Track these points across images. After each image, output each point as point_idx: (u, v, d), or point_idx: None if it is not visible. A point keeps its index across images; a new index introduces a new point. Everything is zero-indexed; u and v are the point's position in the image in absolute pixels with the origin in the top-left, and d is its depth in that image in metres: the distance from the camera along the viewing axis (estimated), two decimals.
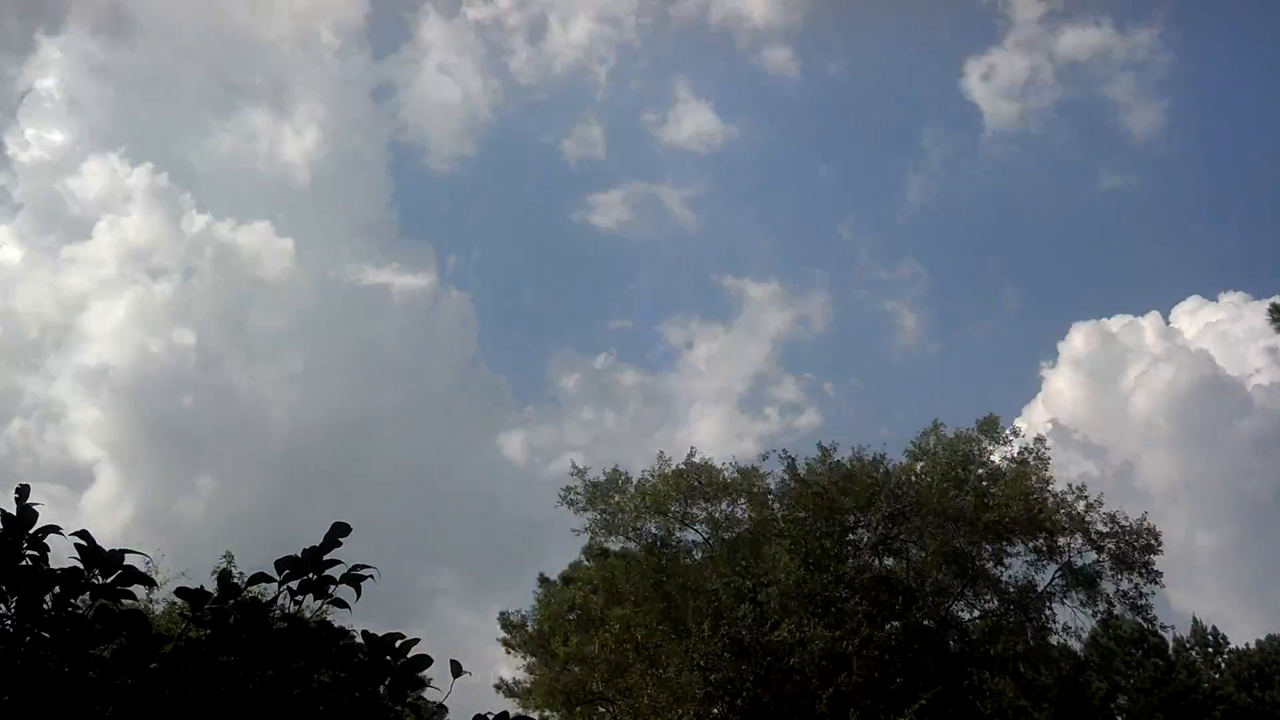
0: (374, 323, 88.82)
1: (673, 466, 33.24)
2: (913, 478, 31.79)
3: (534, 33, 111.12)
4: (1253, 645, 48.63)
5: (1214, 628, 49.38)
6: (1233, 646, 48.83)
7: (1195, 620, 49.38)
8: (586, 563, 37.62)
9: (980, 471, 31.97)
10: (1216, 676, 47.45)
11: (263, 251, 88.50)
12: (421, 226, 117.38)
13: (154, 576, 3.78)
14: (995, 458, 32.09)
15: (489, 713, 3.62)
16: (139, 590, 3.46)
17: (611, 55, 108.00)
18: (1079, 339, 78.83)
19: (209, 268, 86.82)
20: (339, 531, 3.62)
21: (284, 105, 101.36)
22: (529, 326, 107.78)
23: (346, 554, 3.61)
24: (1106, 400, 75.39)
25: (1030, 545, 31.60)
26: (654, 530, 33.54)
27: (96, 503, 68.97)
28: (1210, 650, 48.81)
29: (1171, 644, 46.93)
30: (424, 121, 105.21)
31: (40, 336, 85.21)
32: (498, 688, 41.34)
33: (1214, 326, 78.26)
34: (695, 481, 32.83)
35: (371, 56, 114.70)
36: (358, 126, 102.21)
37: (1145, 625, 35.81)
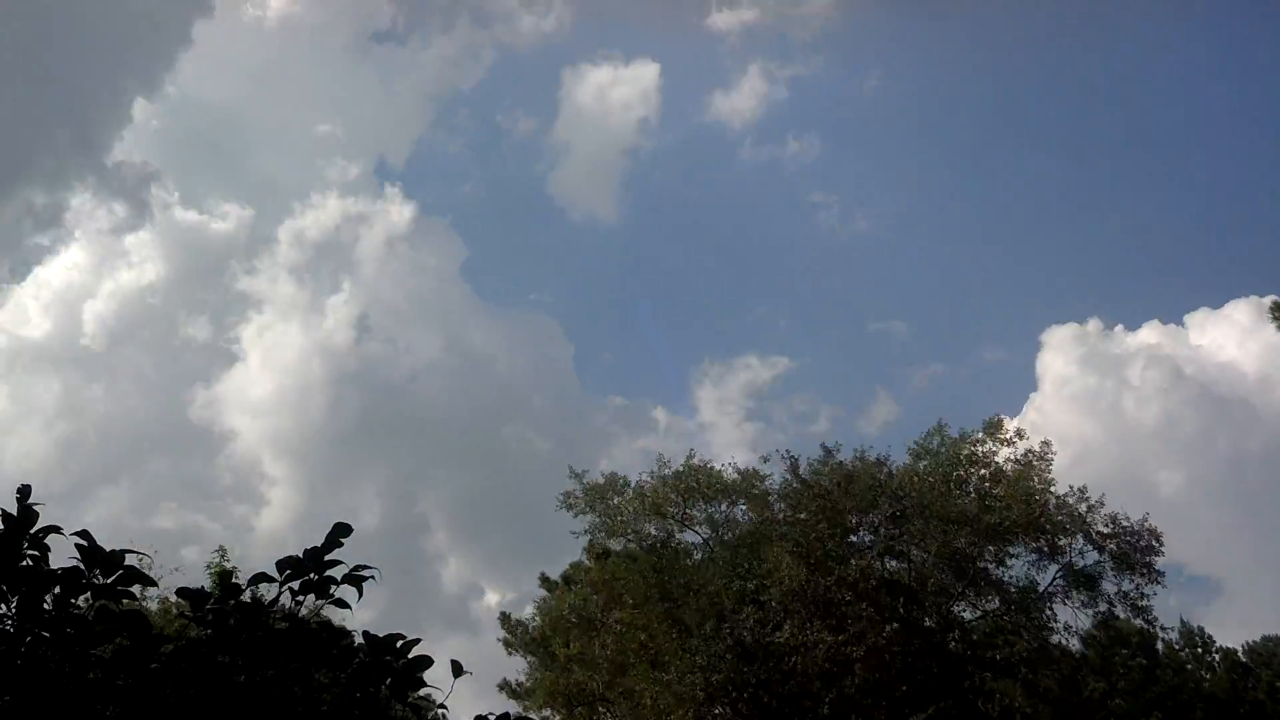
0: (518, 341, 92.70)
1: (672, 469, 33.30)
2: (915, 479, 31.76)
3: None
4: (1242, 646, 49.03)
5: (1200, 628, 49.76)
6: (1219, 646, 49.20)
7: (1182, 621, 49.74)
8: (588, 563, 37.60)
9: (983, 473, 31.95)
10: (1207, 676, 47.69)
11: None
12: (567, 258, 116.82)
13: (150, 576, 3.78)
14: (999, 458, 32.07)
15: (490, 713, 3.63)
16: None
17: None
18: (1084, 339, 78.72)
19: (378, 286, 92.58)
20: (340, 532, 3.61)
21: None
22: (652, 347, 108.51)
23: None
24: (1108, 405, 75.40)
25: (1031, 546, 31.59)
26: (653, 532, 33.55)
27: (277, 508, 71.15)
28: (1199, 650, 49.05)
29: (1161, 645, 47.09)
30: (584, 162, 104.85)
31: (208, 351, 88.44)
32: (500, 688, 41.40)
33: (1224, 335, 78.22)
34: (694, 483, 32.84)
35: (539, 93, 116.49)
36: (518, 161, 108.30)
37: (1145, 626, 35.79)
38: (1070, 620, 31.72)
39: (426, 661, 3.54)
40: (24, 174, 76.84)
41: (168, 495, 74.90)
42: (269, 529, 67.75)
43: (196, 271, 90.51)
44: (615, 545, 34.69)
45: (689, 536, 33.77)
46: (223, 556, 23.88)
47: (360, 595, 3.59)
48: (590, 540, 34.52)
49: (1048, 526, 31.01)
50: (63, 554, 3.29)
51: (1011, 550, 31.69)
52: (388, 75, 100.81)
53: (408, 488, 79.39)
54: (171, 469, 78.75)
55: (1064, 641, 31.86)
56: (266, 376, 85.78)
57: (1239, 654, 48.47)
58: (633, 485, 33.52)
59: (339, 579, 3.57)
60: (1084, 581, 31.28)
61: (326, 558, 3.57)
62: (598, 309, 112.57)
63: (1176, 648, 48.27)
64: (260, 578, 3.54)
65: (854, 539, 31.77)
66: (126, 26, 72.69)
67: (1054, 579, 31.80)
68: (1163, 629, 36.62)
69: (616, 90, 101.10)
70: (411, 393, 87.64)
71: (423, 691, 3.60)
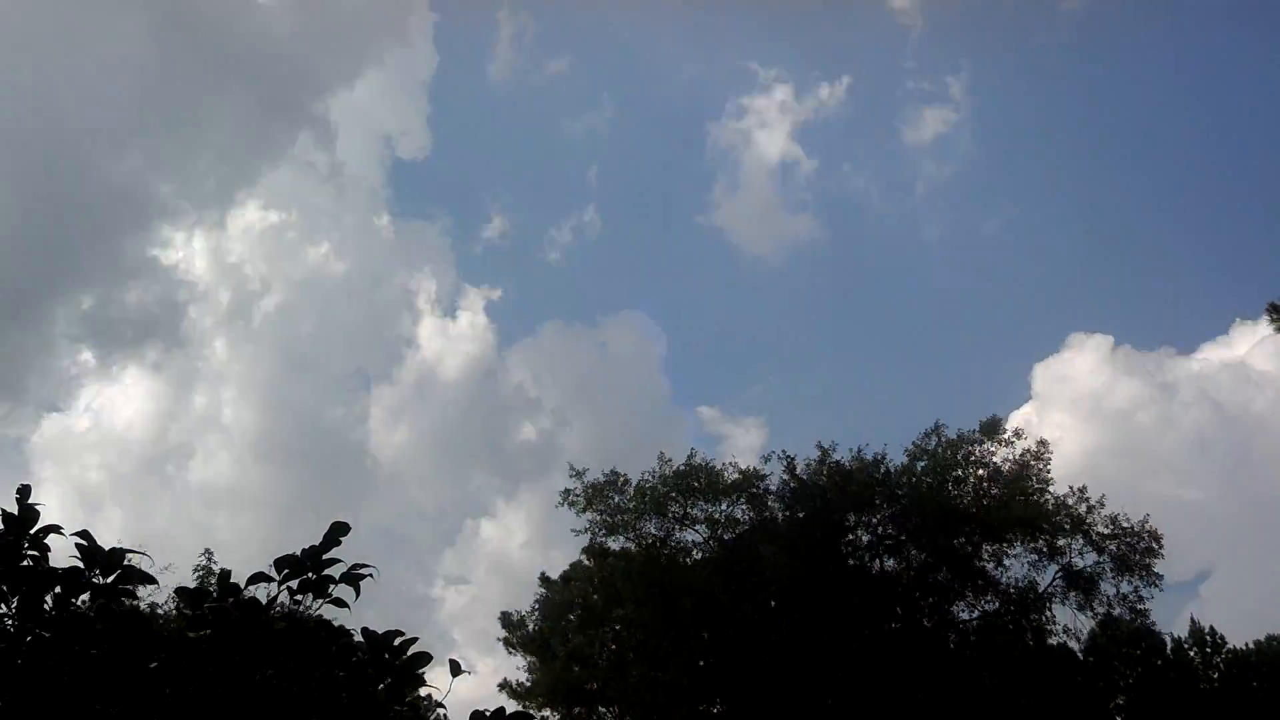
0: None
1: (673, 467, 33.31)
2: (912, 478, 31.79)
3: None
4: (1250, 646, 48.52)
5: (1211, 628, 49.22)
6: (1230, 647, 48.67)
7: (1193, 621, 49.28)
8: (587, 562, 37.60)
9: (981, 472, 31.97)
10: (1215, 677, 47.33)
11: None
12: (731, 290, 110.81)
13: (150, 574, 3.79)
14: (997, 458, 32.10)
15: (486, 709, 3.64)
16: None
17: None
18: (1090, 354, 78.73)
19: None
20: (338, 531, 3.62)
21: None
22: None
23: None
24: (1112, 410, 75.48)
25: (1030, 546, 31.60)
26: (654, 531, 33.55)
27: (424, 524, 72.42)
28: (1209, 651, 48.64)
29: (1170, 644, 46.82)
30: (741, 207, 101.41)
31: (361, 363, 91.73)
32: (501, 687, 41.36)
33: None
34: (695, 482, 32.85)
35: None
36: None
37: (1145, 628, 35.77)
38: (1070, 623, 31.80)
39: (425, 659, 3.55)
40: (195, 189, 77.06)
41: (316, 509, 75.57)
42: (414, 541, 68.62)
43: (356, 282, 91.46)
44: (614, 544, 34.72)
45: (688, 535, 33.83)
46: (209, 559, 23.88)
47: (358, 594, 3.59)
48: (590, 539, 34.54)
49: (1046, 526, 31.03)
50: (63, 555, 3.30)
51: (1010, 550, 31.73)
52: (569, 108, 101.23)
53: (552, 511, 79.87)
54: (323, 482, 79.17)
55: (1064, 643, 31.94)
56: (422, 391, 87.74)
57: (1249, 655, 47.82)
58: (634, 483, 33.55)
59: (337, 578, 3.58)
60: (1083, 583, 31.29)
61: (325, 556, 3.57)
62: (766, 337, 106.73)
63: (1186, 646, 47.94)
64: (259, 577, 3.54)
65: (850, 537, 31.81)
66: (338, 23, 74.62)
67: (1053, 579, 31.84)
68: (1160, 631, 36.65)
69: (789, 116, 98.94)
70: (550, 415, 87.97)
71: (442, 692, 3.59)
